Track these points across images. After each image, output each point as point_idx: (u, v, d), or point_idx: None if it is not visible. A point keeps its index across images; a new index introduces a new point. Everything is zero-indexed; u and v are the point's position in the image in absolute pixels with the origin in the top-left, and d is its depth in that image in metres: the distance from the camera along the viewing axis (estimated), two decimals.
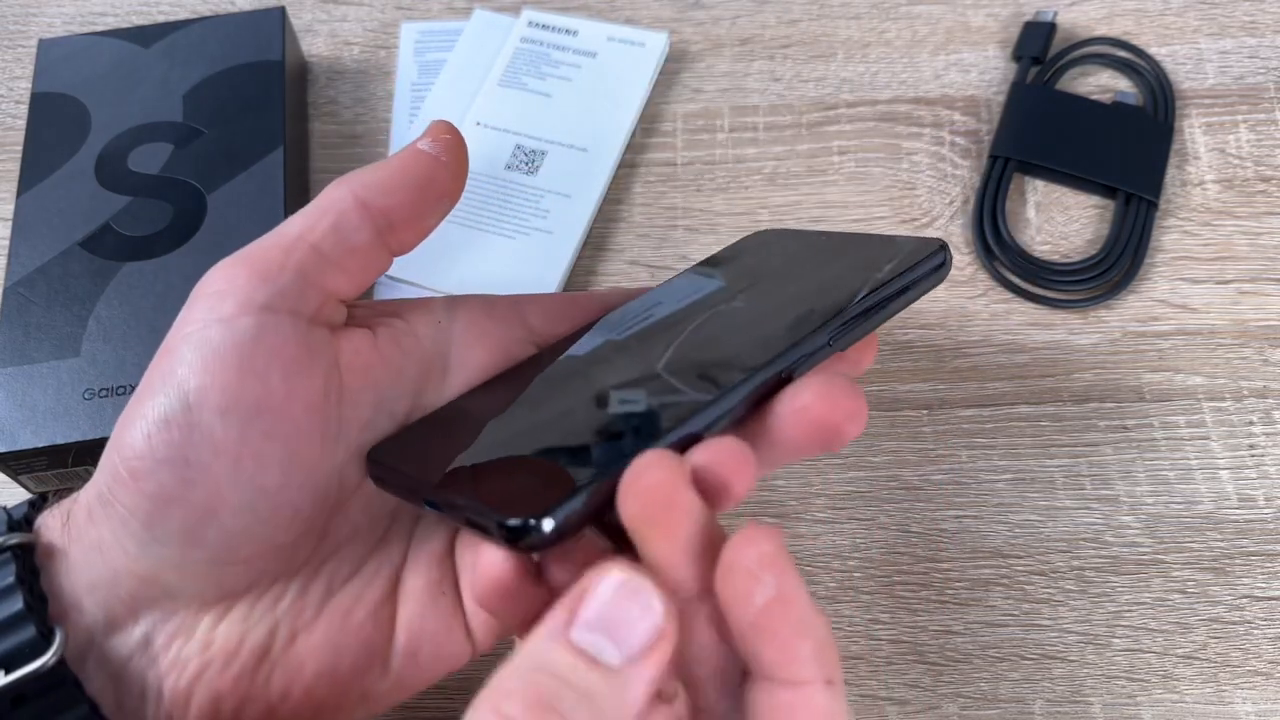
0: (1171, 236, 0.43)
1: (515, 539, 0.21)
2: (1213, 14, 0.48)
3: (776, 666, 0.20)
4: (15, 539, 0.25)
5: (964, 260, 0.43)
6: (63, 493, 0.27)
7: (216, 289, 0.25)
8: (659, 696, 0.22)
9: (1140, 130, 0.45)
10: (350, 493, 0.27)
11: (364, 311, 0.28)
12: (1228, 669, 0.35)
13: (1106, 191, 0.44)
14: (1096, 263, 0.42)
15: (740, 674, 0.22)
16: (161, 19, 0.51)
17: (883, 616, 0.37)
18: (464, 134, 0.30)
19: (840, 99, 0.47)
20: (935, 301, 0.42)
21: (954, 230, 0.44)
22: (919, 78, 0.48)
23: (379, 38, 0.50)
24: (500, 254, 0.43)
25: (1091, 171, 0.44)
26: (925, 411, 0.40)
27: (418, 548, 0.28)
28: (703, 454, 0.22)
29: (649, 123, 0.47)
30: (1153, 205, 0.43)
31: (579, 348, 0.28)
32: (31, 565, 0.25)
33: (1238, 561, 0.37)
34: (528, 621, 0.23)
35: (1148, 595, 0.36)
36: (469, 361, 0.28)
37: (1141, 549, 0.37)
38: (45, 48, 0.45)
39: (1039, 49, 0.47)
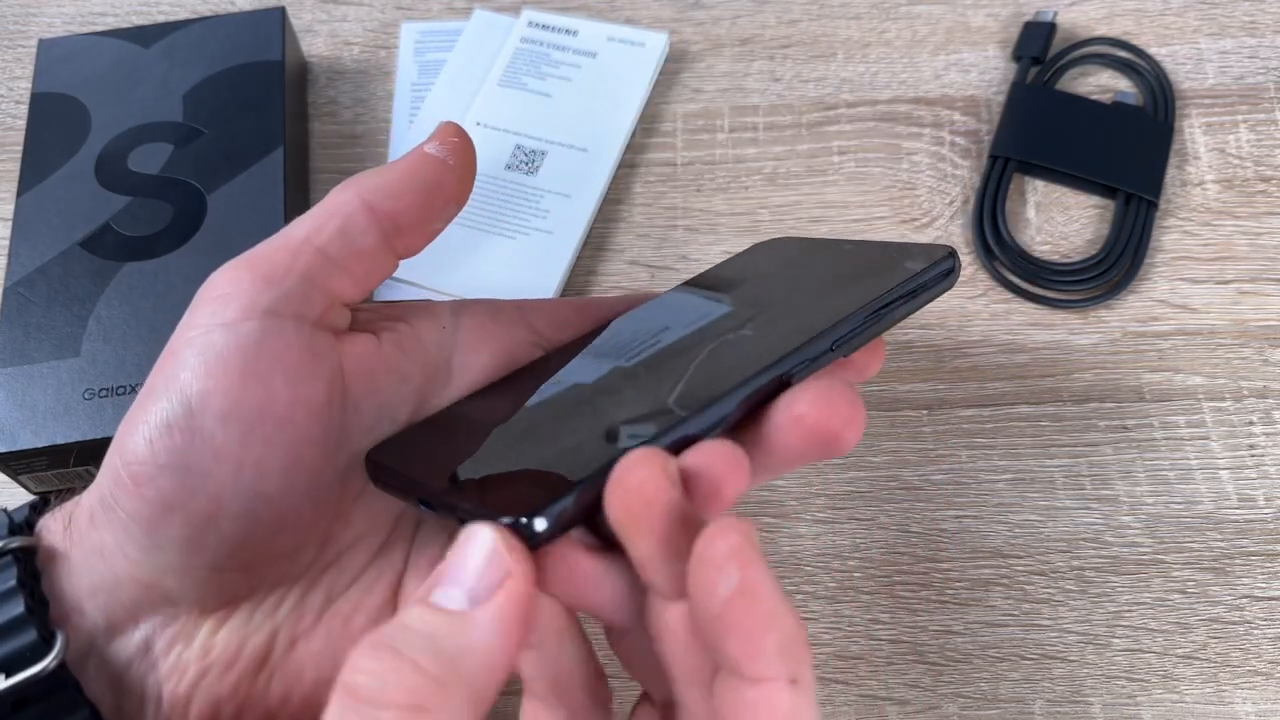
0: (1171, 236, 0.43)
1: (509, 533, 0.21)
2: (1213, 14, 0.48)
3: (739, 662, 0.19)
4: (16, 542, 0.25)
5: (964, 260, 0.43)
6: (64, 495, 0.27)
7: (221, 292, 0.25)
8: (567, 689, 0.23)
9: (1140, 130, 0.45)
10: (352, 499, 0.27)
11: (368, 315, 0.28)
12: (1228, 669, 0.35)
13: (1106, 191, 0.44)
14: (1096, 263, 0.42)
15: None
16: (161, 19, 0.51)
17: (883, 616, 0.37)
18: None
19: (840, 99, 0.47)
20: (935, 301, 0.42)
21: (954, 230, 0.44)
22: (919, 78, 0.48)
23: (379, 38, 0.50)
24: (500, 254, 0.43)
25: (1091, 171, 0.44)
26: (925, 411, 0.40)
27: (419, 555, 0.27)
28: (695, 456, 0.22)
29: (649, 123, 0.47)
30: (1153, 205, 0.43)
31: (581, 352, 0.28)
32: (33, 569, 0.25)
33: (1238, 561, 0.37)
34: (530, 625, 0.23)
35: (1148, 595, 0.36)
36: (473, 366, 0.28)
37: (1141, 549, 0.37)
38: (45, 48, 0.45)
39: (1039, 49, 0.47)
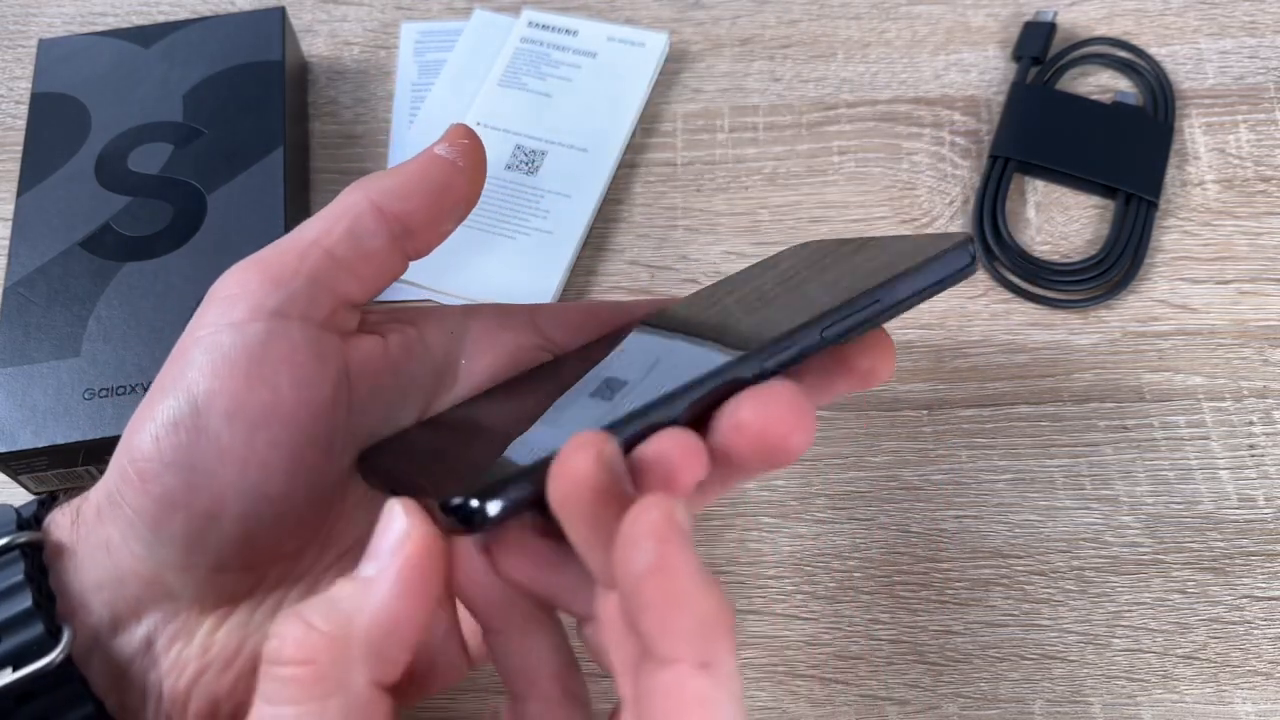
0: (1171, 236, 0.43)
1: (456, 518, 0.21)
2: (1213, 14, 0.48)
3: (651, 642, 0.18)
4: (24, 537, 0.25)
5: None
6: (72, 491, 0.27)
7: (229, 293, 0.25)
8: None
9: (1140, 130, 0.45)
10: (354, 502, 0.27)
11: (377, 317, 0.28)
12: (1228, 669, 0.35)
13: (1106, 191, 0.44)
14: (1096, 263, 0.42)
15: None
16: (161, 19, 0.51)
17: (883, 616, 0.37)
18: None
19: (840, 99, 0.47)
20: (935, 301, 0.42)
21: (954, 230, 0.44)
22: (919, 78, 0.48)
23: (379, 38, 0.50)
24: (500, 254, 0.43)
25: (1091, 171, 0.44)
26: (925, 411, 0.40)
27: None
28: (651, 444, 0.21)
29: (649, 123, 0.47)
30: (1153, 205, 0.43)
31: (582, 355, 0.28)
32: (40, 563, 0.25)
33: (1238, 561, 0.37)
34: (492, 612, 0.23)
35: (1148, 595, 0.36)
36: (477, 371, 0.28)
37: (1141, 549, 0.37)
38: (45, 48, 0.45)
39: (1039, 49, 0.47)
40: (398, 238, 0.26)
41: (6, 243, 0.44)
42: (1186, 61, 0.47)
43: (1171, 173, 0.44)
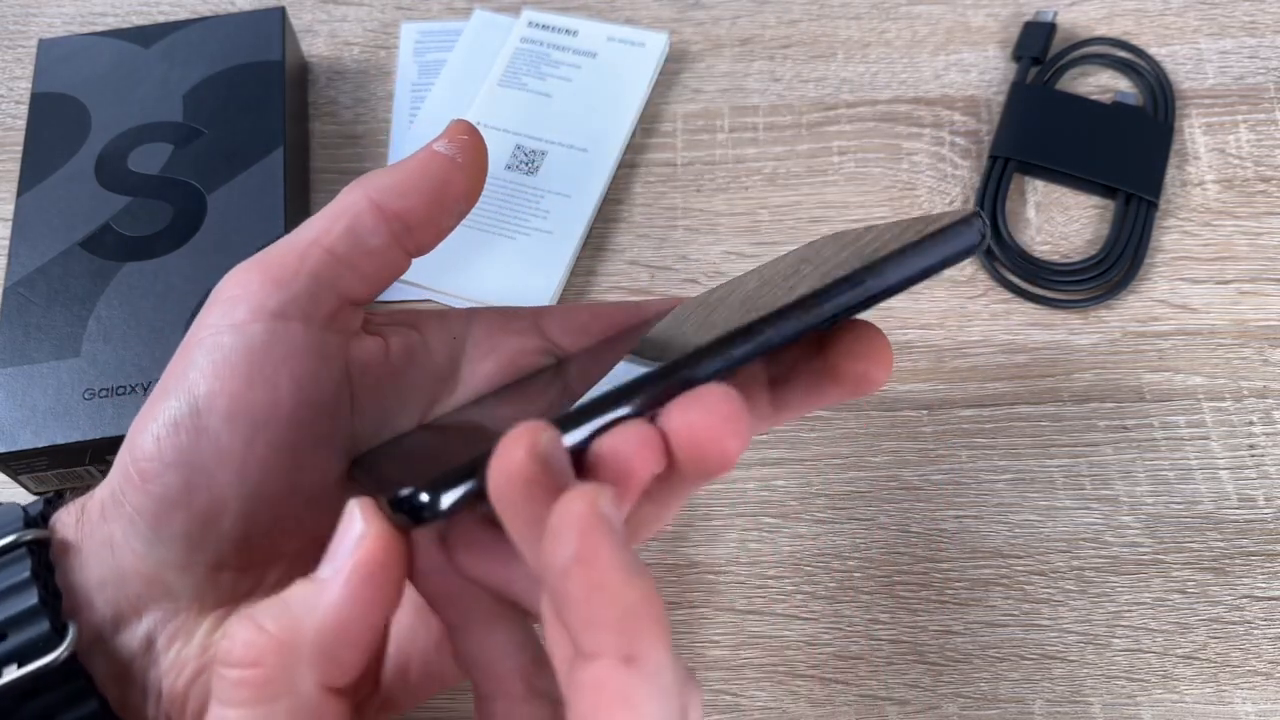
0: (1171, 236, 0.43)
1: (402, 511, 0.21)
2: (1213, 14, 0.48)
3: (576, 637, 0.18)
4: (30, 535, 0.25)
5: (964, 260, 0.43)
6: (78, 490, 0.27)
7: (231, 294, 0.25)
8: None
9: (1140, 130, 0.45)
10: None
11: (381, 319, 0.28)
12: (1228, 669, 0.35)
13: (1106, 191, 0.44)
14: (1096, 263, 0.42)
15: None
16: (161, 19, 0.51)
17: (883, 616, 0.37)
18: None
19: (840, 99, 0.47)
20: (935, 301, 0.42)
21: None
22: (919, 78, 0.48)
23: (379, 38, 0.50)
24: (500, 254, 0.43)
25: (1091, 171, 0.44)
26: (925, 411, 0.40)
27: None
28: (607, 438, 0.21)
29: (649, 123, 0.47)
30: (1153, 205, 0.43)
31: (586, 357, 0.28)
32: (46, 560, 0.25)
33: (1238, 561, 0.37)
34: (450, 607, 0.22)
35: (1148, 595, 0.36)
36: (480, 376, 0.28)
37: (1141, 549, 0.37)
38: (45, 48, 0.45)
39: (1039, 49, 0.47)
40: (398, 235, 0.26)
41: (6, 243, 0.44)
42: (1186, 61, 0.47)
43: (1171, 173, 0.44)
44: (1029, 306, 0.42)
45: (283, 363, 0.24)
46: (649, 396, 0.21)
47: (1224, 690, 0.35)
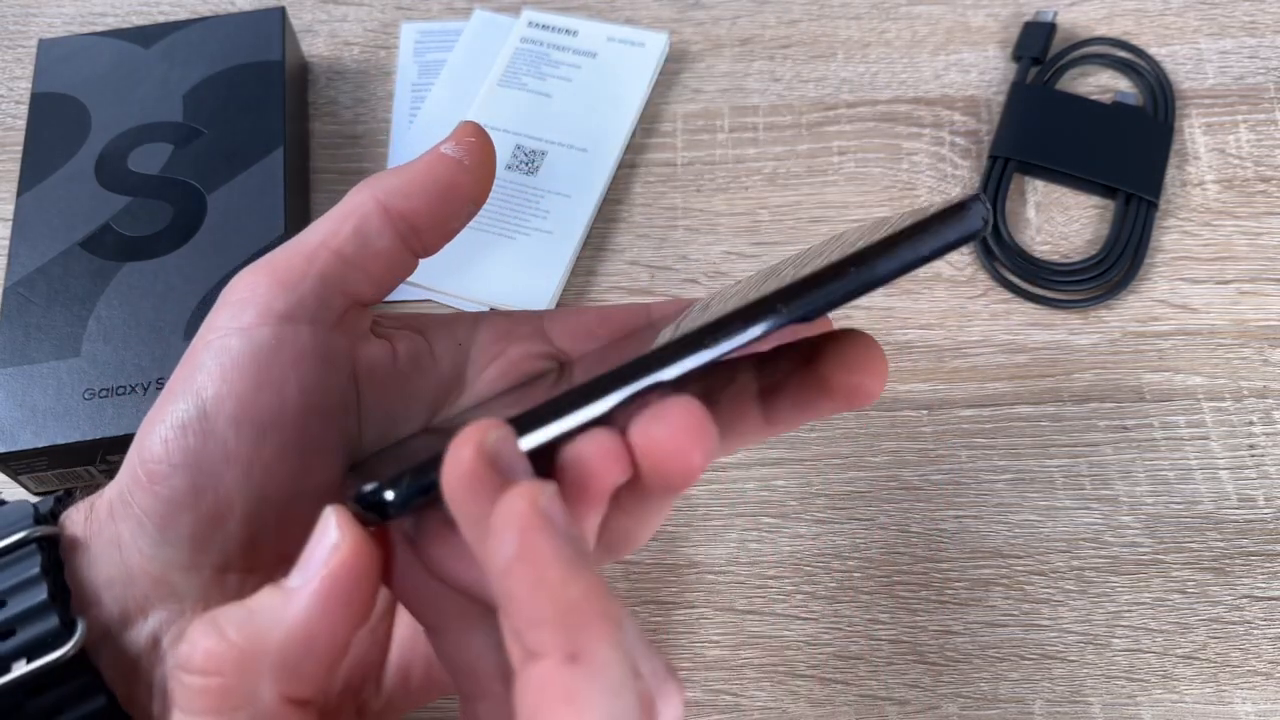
0: (1171, 236, 0.43)
1: (363, 506, 0.21)
2: (1213, 14, 0.48)
3: (520, 636, 0.17)
4: (40, 531, 0.26)
5: (964, 260, 0.43)
6: (88, 489, 0.27)
7: (239, 297, 0.25)
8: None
9: (1140, 130, 0.45)
10: None
11: (390, 323, 0.28)
12: (1228, 669, 0.35)
13: (1106, 191, 0.44)
14: (1096, 263, 0.42)
15: None
16: (161, 19, 0.51)
17: (883, 616, 0.37)
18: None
19: (840, 99, 0.47)
20: (935, 301, 0.42)
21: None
22: (919, 78, 0.48)
23: (379, 38, 0.50)
24: (500, 254, 0.43)
25: (1091, 171, 0.44)
26: (925, 411, 0.40)
27: None
28: (573, 445, 0.21)
29: (649, 123, 0.47)
30: (1153, 205, 0.43)
31: (590, 361, 0.28)
32: (56, 557, 0.26)
33: (1238, 561, 0.37)
34: (426, 608, 0.22)
35: (1148, 595, 0.36)
36: (485, 381, 0.28)
37: (1141, 549, 0.37)
38: (45, 48, 0.45)
39: (1039, 49, 0.47)
40: (405, 237, 0.26)
41: (6, 243, 0.44)
42: (1186, 61, 0.47)
43: (1171, 173, 0.44)
44: (1029, 306, 0.42)
45: (290, 366, 0.24)
46: (605, 396, 0.21)
47: (1224, 690, 0.35)
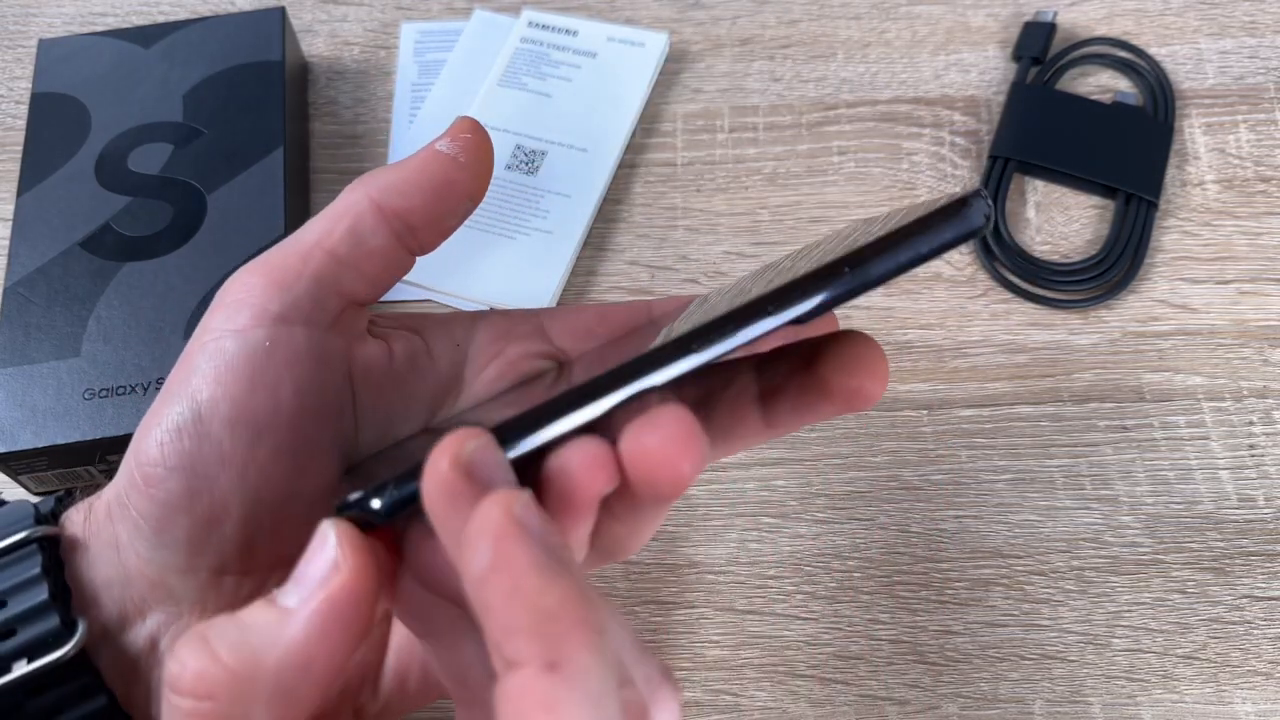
0: (1171, 236, 0.43)
1: (346, 515, 0.21)
2: (1213, 14, 0.48)
3: (498, 646, 0.17)
4: (41, 531, 0.26)
5: (964, 260, 0.43)
6: (88, 490, 0.27)
7: (234, 298, 0.25)
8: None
9: (1140, 130, 0.45)
10: None
11: (386, 322, 0.28)
12: (1228, 669, 0.35)
13: (1106, 191, 0.44)
14: (1096, 263, 0.42)
15: None
16: (161, 19, 0.51)
17: (883, 616, 0.37)
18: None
19: (840, 99, 0.47)
20: (935, 301, 0.42)
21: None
22: (919, 78, 0.48)
23: (379, 38, 0.50)
24: (500, 254, 0.43)
25: (1091, 171, 0.44)
26: (925, 411, 0.40)
27: None
28: (560, 454, 0.20)
29: (649, 123, 0.47)
30: (1153, 205, 0.43)
31: (590, 360, 0.28)
32: (56, 557, 0.25)
33: (1238, 561, 0.37)
34: (416, 617, 0.22)
35: (1148, 595, 0.36)
36: (483, 382, 0.28)
37: (1141, 549, 0.37)
38: (45, 48, 0.45)
39: (1039, 49, 0.47)
40: (400, 235, 0.26)
41: (6, 243, 0.44)
42: (1186, 61, 0.47)
43: (1171, 173, 0.44)
44: (1029, 306, 0.42)
45: (285, 368, 0.24)
46: (592, 403, 0.20)
47: (1224, 690, 0.35)
